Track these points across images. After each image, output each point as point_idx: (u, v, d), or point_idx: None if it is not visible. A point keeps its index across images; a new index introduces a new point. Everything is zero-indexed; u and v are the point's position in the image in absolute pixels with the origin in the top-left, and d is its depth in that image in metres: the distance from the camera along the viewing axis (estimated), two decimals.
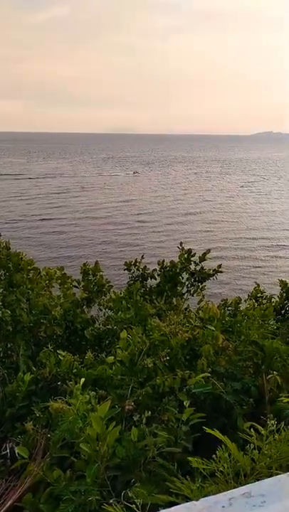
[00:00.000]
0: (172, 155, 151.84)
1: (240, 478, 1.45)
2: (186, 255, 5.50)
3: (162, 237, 35.44)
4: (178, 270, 5.42)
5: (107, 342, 4.63)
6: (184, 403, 2.55)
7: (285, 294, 6.33)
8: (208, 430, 1.68)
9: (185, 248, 5.57)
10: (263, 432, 1.63)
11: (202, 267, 5.52)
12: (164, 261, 5.51)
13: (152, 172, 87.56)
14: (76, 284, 5.45)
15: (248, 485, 1.00)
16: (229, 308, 5.44)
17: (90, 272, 5.58)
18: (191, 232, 37.61)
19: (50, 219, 43.07)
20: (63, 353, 3.42)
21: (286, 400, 2.21)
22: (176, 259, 5.57)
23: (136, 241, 35.29)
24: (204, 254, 5.55)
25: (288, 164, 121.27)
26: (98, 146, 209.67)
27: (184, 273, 5.49)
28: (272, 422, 1.68)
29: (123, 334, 3.25)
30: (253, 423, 2.08)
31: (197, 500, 0.97)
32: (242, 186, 70.63)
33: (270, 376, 3.06)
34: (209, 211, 48.41)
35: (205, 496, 1.35)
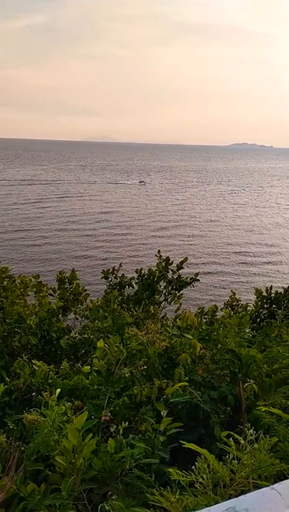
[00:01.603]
0: (150, 164, 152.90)
1: (219, 489, 1.43)
2: (163, 263, 5.51)
3: (140, 250, 35.25)
4: (156, 278, 5.43)
5: (84, 351, 4.57)
6: (162, 413, 2.53)
7: (260, 303, 6.43)
8: (185, 444, 1.66)
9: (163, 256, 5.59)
10: (242, 442, 1.62)
11: (179, 275, 5.55)
12: (141, 269, 5.51)
13: (130, 181, 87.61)
14: (52, 293, 5.37)
15: (231, 500, 0.99)
16: (206, 316, 5.47)
17: (66, 280, 5.51)
18: (169, 245, 37.49)
19: (28, 229, 42.20)
20: (38, 363, 3.35)
21: (264, 408, 2.21)
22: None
23: (114, 252, 34.88)
24: (182, 262, 5.58)
25: (264, 176, 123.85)
26: (76, 154, 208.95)
27: (162, 281, 5.50)
28: (251, 431, 1.68)
29: (100, 343, 3.21)
30: (231, 432, 2.08)
31: None
32: (223, 196, 71.57)
33: (246, 384, 3.07)
34: (190, 224, 48.43)
35: (185, 508, 1.34)
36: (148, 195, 69.43)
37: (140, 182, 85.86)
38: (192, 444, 1.68)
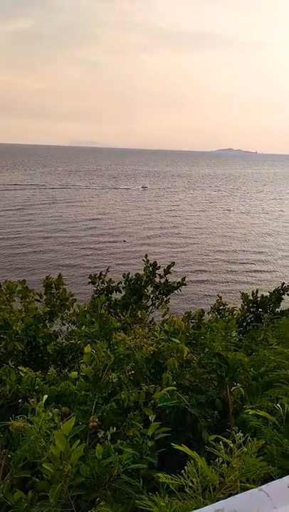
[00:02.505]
0: (138, 169, 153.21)
1: (208, 493, 1.44)
2: (151, 268, 5.52)
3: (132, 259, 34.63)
4: (143, 283, 5.43)
5: (70, 357, 4.54)
6: (150, 418, 2.53)
7: (246, 307, 6.48)
8: (176, 446, 1.66)
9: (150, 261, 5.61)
10: (231, 446, 1.63)
11: (167, 280, 5.56)
12: (129, 273, 5.51)
13: (120, 187, 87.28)
14: (38, 298, 5.33)
15: (220, 502, 1.00)
16: (193, 320, 5.49)
17: (53, 286, 5.48)
18: (158, 253, 36.99)
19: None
20: (24, 370, 3.31)
21: (252, 411, 2.23)
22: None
23: (101, 261, 34.28)
24: (169, 266, 5.60)
25: (250, 181, 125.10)
26: (63, 158, 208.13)
27: (149, 286, 5.51)
28: (240, 434, 1.69)
29: (87, 349, 3.19)
30: (218, 436, 2.09)
31: None
32: (210, 202, 71.77)
33: (233, 388, 3.09)
34: (177, 231, 48.07)
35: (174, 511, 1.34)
36: (135, 200, 69.26)
37: (143, 187, 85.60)
38: (183, 446, 1.68)
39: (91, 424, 2.55)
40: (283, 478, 1.10)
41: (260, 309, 6.33)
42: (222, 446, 1.65)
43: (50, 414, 2.46)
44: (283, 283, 6.75)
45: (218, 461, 1.55)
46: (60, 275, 5.71)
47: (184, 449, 1.61)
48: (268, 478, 1.57)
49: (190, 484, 1.44)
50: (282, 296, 6.58)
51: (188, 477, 1.46)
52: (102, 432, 2.44)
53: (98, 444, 2.27)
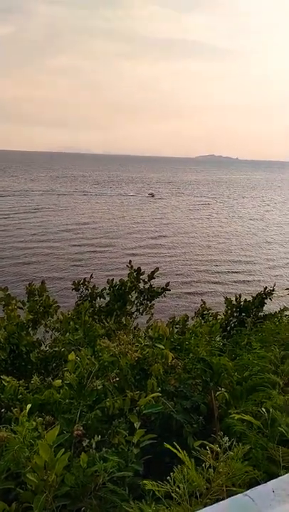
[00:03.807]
0: (121, 175, 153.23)
1: (194, 499, 1.44)
2: (135, 274, 5.53)
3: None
4: (127, 289, 5.42)
5: (54, 365, 4.49)
6: (135, 425, 2.51)
7: (229, 311, 6.54)
8: (167, 445, 1.66)
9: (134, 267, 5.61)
10: (217, 450, 1.64)
11: (151, 285, 5.57)
12: (113, 279, 5.49)
13: (105, 194, 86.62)
14: (21, 306, 5.26)
15: (206, 508, 1.00)
16: (177, 326, 5.50)
17: (36, 293, 5.42)
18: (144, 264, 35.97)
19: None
20: (7, 378, 3.27)
21: (238, 416, 2.24)
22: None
23: (85, 267, 33.61)
24: (153, 272, 5.61)
25: (232, 187, 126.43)
26: (47, 165, 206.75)
27: (133, 292, 5.51)
28: (226, 439, 1.70)
29: (71, 356, 3.16)
30: (204, 441, 2.09)
31: None
32: (197, 209, 71.82)
33: (218, 393, 3.10)
34: (162, 240, 47.39)
35: None
36: (122, 207, 68.75)
37: (149, 194, 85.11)
38: (174, 444, 1.68)
39: (75, 432, 2.52)
40: (268, 483, 1.11)
41: (243, 314, 6.39)
42: (209, 452, 1.66)
43: (34, 423, 2.43)
44: (266, 287, 6.83)
45: (205, 466, 1.55)
46: (43, 282, 5.66)
47: (176, 450, 1.60)
48: (253, 483, 1.58)
49: (177, 490, 1.44)
50: (265, 300, 6.66)
51: (175, 483, 1.46)
52: (87, 441, 2.41)
53: (83, 452, 2.24)
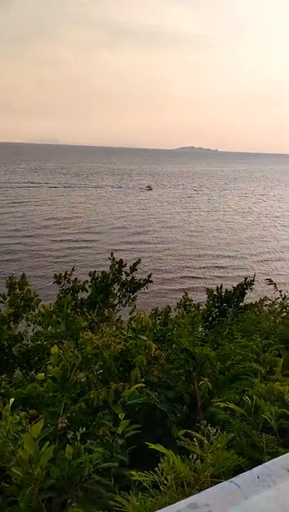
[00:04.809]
0: (102, 167, 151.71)
1: (181, 488, 1.46)
2: (117, 266, 5.51)
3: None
4: (109, 281, 5.41)
5: (37, 358, 4.46)
6: (119, 416, 2.52)
7: (211, 302, 6.60)
8: (151, 446, 1.67)
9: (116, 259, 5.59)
10: (202, 440, 1.66)
11: (133, 277, 5.57)
12: (95, 272, 5.47)
13: (86, 186, 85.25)
14: (1, 299, 5.19)
15: (192, 496, 1.01)
16: (160, 317, 5.53)
17: (17, 286, 5.35)
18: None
19: None
20: None
21: (222, 404, 2.28)
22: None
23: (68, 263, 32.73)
24: (135, 264, 5.61)
25: (213, 179, 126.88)
26: (23, 156, 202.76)
27: (116, 284, 5.50)
28: (212, 429, 1.72)
29: (54, 349, 3.15)
30: (188, 430, 2.12)
31: None
32: (175, 200, 71.40)
33: (201, 382, 3.14)
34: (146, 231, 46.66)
35: (147, 509, 1.35)
36: (104, 200, 67.83)
37: (147, 187, 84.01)
38: (158, 445, 1.69)
39: (60, 425, 2.52)
40: (253, 469, 1.13)
41: (224, 304, 6.46)
42: (195, 441, 1.68)
43: (18, 417, 2.41)
44: (246, 278, 6.92)
45: (192, 457, 1.57)
46: (23, 275, 5.59)
47: (158, 447, 1.62)
48: (238, 470, 1.61)
49: (164, 482, 1.45)
50: (246, 290, 6.75)
51: (163, 474, 1.48)
52: (72, 433, 2.41)
53: (68, 444, 2.24)
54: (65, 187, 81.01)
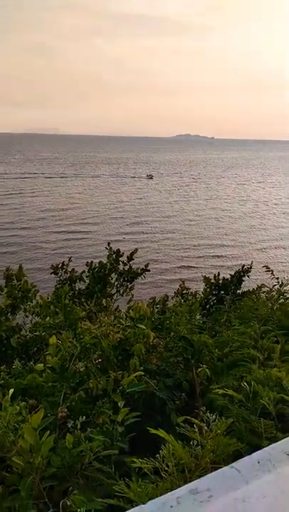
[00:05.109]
0: (98, 156, 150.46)
1: (180, 474, 1.47)
2: (114, 255, 5.50)
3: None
4: (107, 271, 5.40)
5: (36, 349, 4.47)
6: (119, 404, 2.54)
7: (208, 290, 6.62)
8: (152, 431, 1.68)
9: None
10: (202, 426, 1.67)
11: (130, 267, 5.57)
12: (92, 262, 5.46)
13: (81, 176, 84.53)
14: None
15: (193, 481, 1.02)
16: (158, 306, 5.55)
17: (14, 277, 5.34)
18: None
19: None
20: None
21: (221, 391, 2.29)
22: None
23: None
24: (132, 253, 5.60)
25: (209, 167, 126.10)
26: (17, 146, 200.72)
27: (113, 273, 5.49)
28: (212, 416, 1.73)
29: (52, 340, 3.15)
30: (187, 417, 2.13)
31: (144, 503, 0.97)
32: (172, 189, 70.81)
33: (200, 369, 3.16)
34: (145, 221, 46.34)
35: (148, 495, 1.36)
36: (100, 189, 67.16)
37: (148, 176, 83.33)
38: (159, 430, 1.70)
39: (60, 414, 2.53)
40: (253, 454, 1.14)
41: (222, 292, 6.48)
42: (195, 428, 1.69)
43: (18, 407, 2.42)
44: (243, 265, 6.93)
45: (193, 443, 1.58)
46: (20, 266, 5.57)
47: (160, 432, 1.63)
48: (237, 455, 1.63)
49: (165, 468, 1.47)
50: (243, 278, 6.77)
51: (164, 461, 1.49)
52: (72, 422, 2.43)
53: (68, 433, 2.26)
54: (61, 177, 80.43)
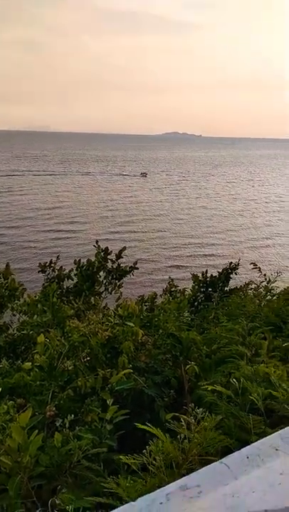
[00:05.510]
0: (87, 154, 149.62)
1: (169, 469, 1.47)
2: (102, 253, 5.48)
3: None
4: (95, 269, 5.38)
5: (23, 348, 4.44)
6: (107, 402, 2.53)
7: (196, 287, 6.65)
8: (140, 426, 1.68)
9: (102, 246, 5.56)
10: (190, 421, 1.67)
11: (119, 265, 5.55)
12: (80, 260, 5.43)
13: (70, 173, 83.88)
14: None
15: (183, 478, 1.02)
16: (146, 303, 5.55)
17: (1, 276, 5.29)
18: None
19: None
20: None
21: (210, 387, 2.30)
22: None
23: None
24: (120, 251, 5.58)
25: (198, 164, 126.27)
26: (2, 144, 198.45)
27: (101, 271, 5.47)
28: (200, 410, 1.74)
29: (40, 338, 3.13)
30: (176, 414, 2.13)
31: (134, 500, 0.96)
32: (163, 187, 70.54)
33: (188, 366, 3.17)
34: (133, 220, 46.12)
35: (137, 492, 1.36)
36: (90, 187, 66.48)
37: (142, 174, 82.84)
38: (147, 424, 1.70)
39: (48, 413, 2.51)
40: (242, 449, 1.14)
41: (210, 289, 6.51)
42: (183, 423, 1.69)
43: (5, 406, 2.40)
44: (231, 262, 6.98)
45: (180, 437, 1.59)
46: (7, 264, 5.52)
47: (147, 428, 1.63)
48: (226, 451, 1.64)
49: (153, 462, 1.47)
50: (231, 275, 6.82)
51: (151, 455, 1.49)
52: (60, 420, 2.41)
53: (57, 432, 2.24)
54: (49, 174, 79.72)
